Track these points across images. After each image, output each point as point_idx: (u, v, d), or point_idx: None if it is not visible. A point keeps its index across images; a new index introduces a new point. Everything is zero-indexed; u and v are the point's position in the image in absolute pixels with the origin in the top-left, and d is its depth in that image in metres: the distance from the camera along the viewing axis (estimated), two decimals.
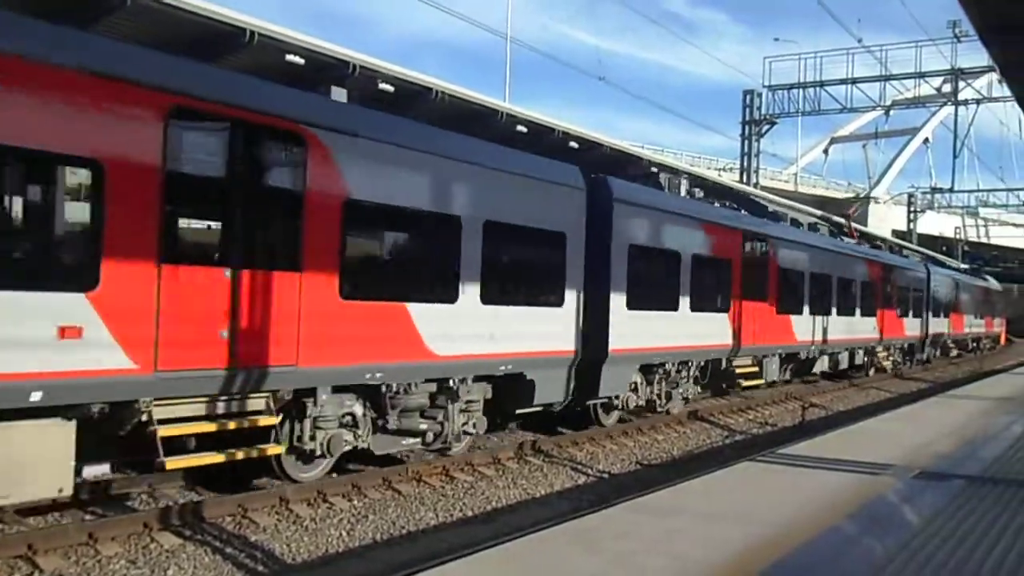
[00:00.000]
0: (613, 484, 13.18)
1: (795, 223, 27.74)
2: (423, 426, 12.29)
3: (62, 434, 8.46)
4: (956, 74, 38.78)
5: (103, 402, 8.80)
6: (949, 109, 44.45)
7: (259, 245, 9.99)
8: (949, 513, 8.63)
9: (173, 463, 9.37)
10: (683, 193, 19.77)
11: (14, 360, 7.87)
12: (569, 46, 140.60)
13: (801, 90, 38.94)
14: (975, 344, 49.67)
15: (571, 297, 14.44)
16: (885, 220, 60.60)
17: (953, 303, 42.50)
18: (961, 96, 40.71)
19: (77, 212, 8.61)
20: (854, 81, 38.32)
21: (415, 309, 11.68)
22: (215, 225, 9.83)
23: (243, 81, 10.31)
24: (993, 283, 56.48)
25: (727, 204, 22.07)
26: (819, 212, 36.22)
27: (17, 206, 8.30)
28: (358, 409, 11.54)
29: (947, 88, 42.81)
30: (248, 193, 9.84)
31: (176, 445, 9.46)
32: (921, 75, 39.19)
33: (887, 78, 38.16)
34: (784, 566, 6.79)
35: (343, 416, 11.39)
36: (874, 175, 69.14)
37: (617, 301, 15.70)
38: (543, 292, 14.11)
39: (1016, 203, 58.65)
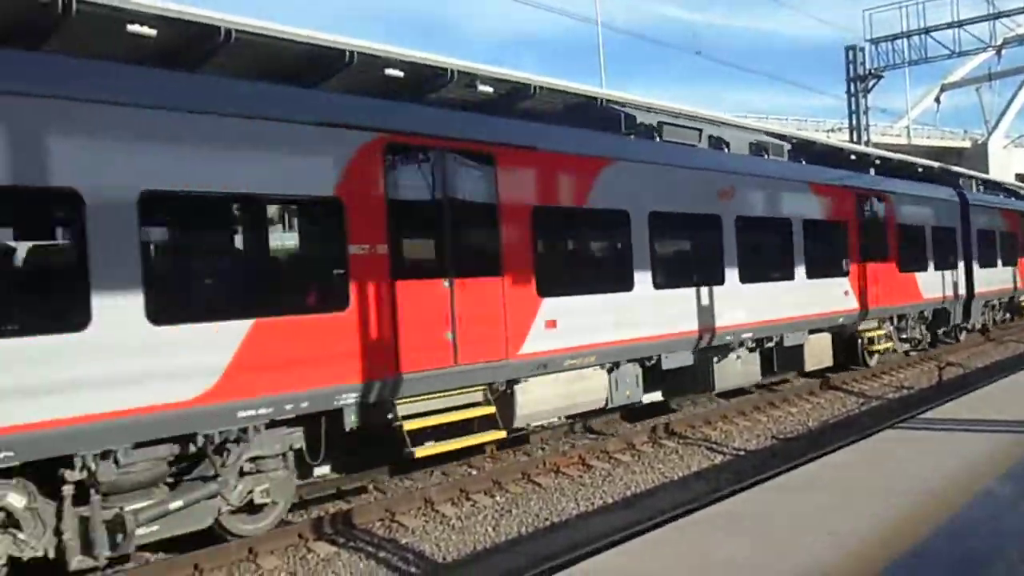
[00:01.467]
0: (750, 461, 13.06)
1: (912, 177, 26.92)
2: None
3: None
4: None
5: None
6: None
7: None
8: None
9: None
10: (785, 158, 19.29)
11: None
12: (661, 24, 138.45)
13: (905, 40, 37.43)
14: None
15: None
16: (1008, 166, 57.84)
17: None
18: None
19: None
20: (961, 23, 36.60)
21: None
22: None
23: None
24: None
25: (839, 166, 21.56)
26: (936, 164, 34.78)
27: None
28: None
29: None
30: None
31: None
32: None
33: (997, 16, 36.33)
34: (941, 534, 6.64)
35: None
36: (991, 119, 66.06)
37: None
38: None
39: None
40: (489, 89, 15.07)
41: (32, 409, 7.60)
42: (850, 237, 19.65)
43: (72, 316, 7.92)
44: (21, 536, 7.90)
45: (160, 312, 8.43)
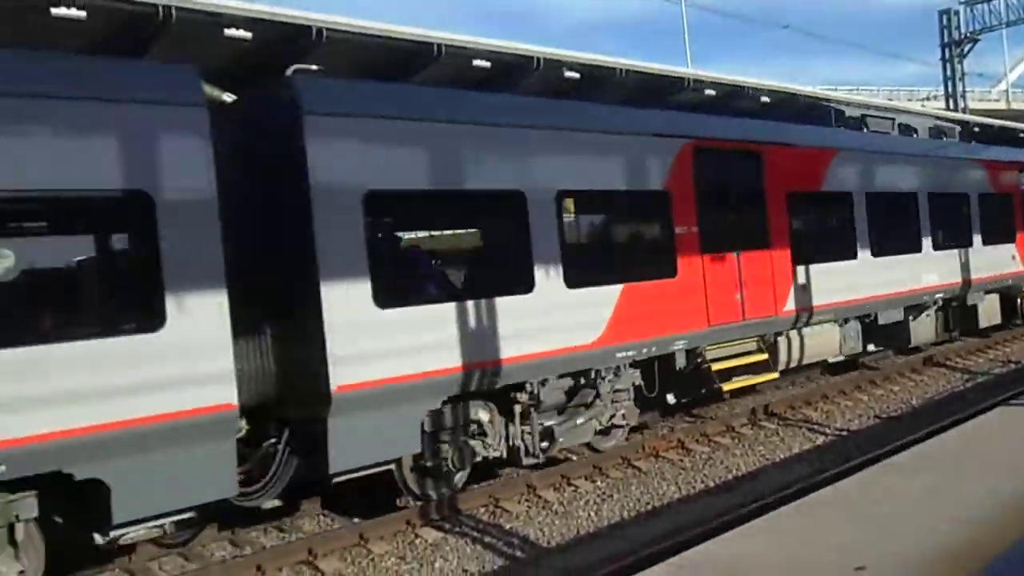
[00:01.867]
0: (854, 441, 12.85)
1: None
2: None
3: None
4: None
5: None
6: None
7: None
8: None
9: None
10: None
11: None
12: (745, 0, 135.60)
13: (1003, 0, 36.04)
14: None
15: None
16: None
17: None
18: None
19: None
20: None
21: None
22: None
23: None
24: None
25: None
26: None
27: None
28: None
29: None
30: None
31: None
32: None
33: None
34: None
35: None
36: None
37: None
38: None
39: None
40: (576, 75, 15.05)
41: (508, 349, 10.53)
42: (1016, 207, 21.87)
43: (525, 284, 10.88)
44: (488, 441, 10.76)
45: (573, 279, 11.28)
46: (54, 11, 9.22)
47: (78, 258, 8.37)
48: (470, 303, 10.28)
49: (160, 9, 9.95)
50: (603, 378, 11.83)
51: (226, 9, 10.70)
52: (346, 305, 9.13)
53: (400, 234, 10.96)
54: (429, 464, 10.34)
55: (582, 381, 11.71)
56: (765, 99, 18.90)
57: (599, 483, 11.45)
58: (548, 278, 11.08)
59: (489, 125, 10.85)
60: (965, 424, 10.37)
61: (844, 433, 13.52)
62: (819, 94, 22.32)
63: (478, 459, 10.75)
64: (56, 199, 7.70)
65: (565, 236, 11.46)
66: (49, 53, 8.93)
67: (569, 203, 11.72)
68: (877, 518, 6.87)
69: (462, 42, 13.18)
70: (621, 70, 15.73)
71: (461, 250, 12.06)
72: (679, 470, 11.91)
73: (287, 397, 9.30)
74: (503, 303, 10.56)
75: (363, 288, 9.32)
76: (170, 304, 7.89)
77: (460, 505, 10.53)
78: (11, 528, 7.47)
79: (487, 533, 9.98)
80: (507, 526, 10.18)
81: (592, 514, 10.43)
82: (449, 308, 10.11)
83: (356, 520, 10.43)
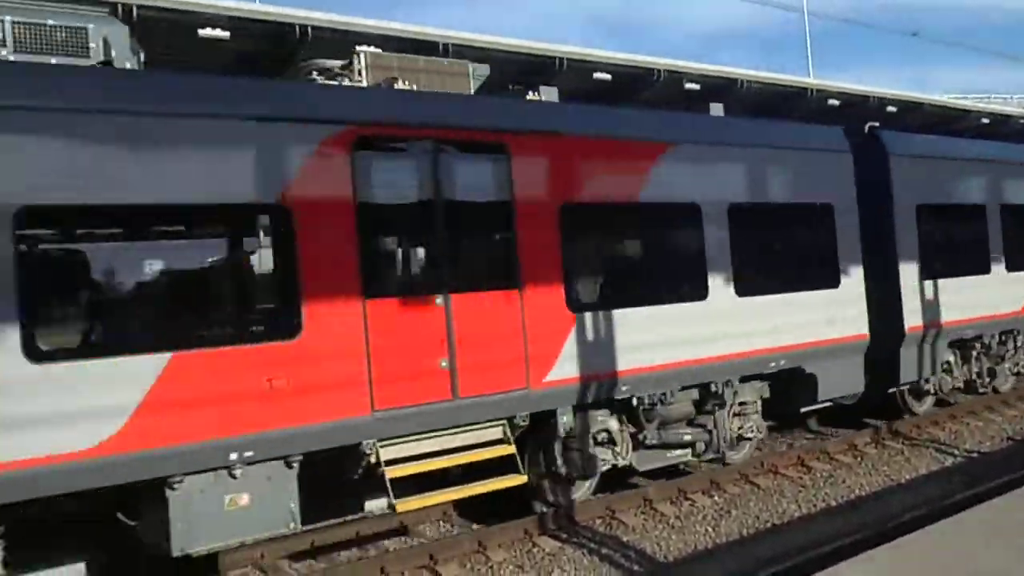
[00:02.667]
0: (984, 463, 12.39)
1: None
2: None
3: None
4: None
5: None
6: None
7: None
8: None
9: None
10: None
11: None
12: (871, 6, 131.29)
13: None
14: None
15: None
16: None
17: None
18: None
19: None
20: None
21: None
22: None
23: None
24: None
25: None
26: None
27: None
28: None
29: None
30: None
31: None
32: None
33: None
34: None
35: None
36: None
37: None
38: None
39: None
40: (696, 86, 15.01)
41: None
42: None
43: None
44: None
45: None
46: (201, 32, 9.72)
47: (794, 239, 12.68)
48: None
49: (297, 28, 10.38)
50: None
51: (358, 27, 11.09)
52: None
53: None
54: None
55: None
56: (891, 108, 18.48)
57: (716, 498, 11.35)
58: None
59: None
60: None
61: (975, 454, 13.04)
62: (947, 103, 21.45)
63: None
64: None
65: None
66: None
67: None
68: (1018, 547, 6.64)
69: (583, 55, 13.32)
70: (741, 81, 15.63)
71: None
72: (799, 488, 11.70)
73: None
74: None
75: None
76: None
77: (577, 516, 10.60)
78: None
79: (604, 545, 10.00)
80: (624, 539, 10.18)
81: (710, 529, 10.35)
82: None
83: (476, 527, 10.61)
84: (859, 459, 12.94)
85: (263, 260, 8.55)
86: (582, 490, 11.09)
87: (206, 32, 9.61)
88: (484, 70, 11.43)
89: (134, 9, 11.20)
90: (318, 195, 8.53)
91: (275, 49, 10.87)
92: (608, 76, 13.52)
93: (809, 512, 10.83)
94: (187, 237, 8.48)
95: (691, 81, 14.67)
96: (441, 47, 11.47)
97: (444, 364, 9.20)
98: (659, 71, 14.02)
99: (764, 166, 12.42)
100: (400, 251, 9.63)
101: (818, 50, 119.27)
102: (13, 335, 7.03)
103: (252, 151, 8.20)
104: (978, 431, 14.48)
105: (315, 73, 10.53)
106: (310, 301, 8.41)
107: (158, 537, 8.04)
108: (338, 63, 10.50)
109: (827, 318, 12.65)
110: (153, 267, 8.10)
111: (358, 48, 10.36)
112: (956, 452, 13.18)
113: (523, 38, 12.36)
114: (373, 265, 8.95)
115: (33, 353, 7.14)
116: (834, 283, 12.91)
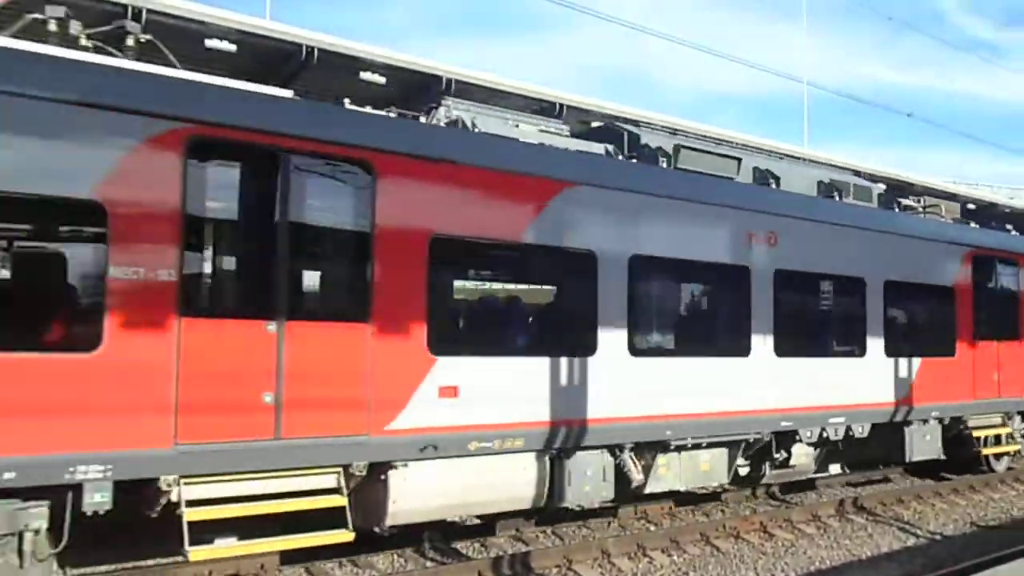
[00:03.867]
0: (946, 547, 12.33)
1: None
2: None
3: None
4: None
5: None
6: None
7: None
8: None
9: None
10: None
11: None
12: (870, 84, 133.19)
13: None
14: None
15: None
16: None
17: None
18: None
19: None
20: None
21: None
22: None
23: None
24: None
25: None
26: None
27: None
28: None
29: None
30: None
31: None
32: None
33: None
34: None
35: None
36: None
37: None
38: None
39: None
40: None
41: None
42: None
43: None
44: None
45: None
46: (207, 43, 9.78)
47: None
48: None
49: (304, 48, 10.45)
50: None
51: (362, 53, 11.17)
52: None
53: None
54: None
55: None
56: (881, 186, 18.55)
57: (676, 558, 11.24)
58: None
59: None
60: None
61: (938, 537, 12.98)
62: (933, 184, 21.66)
63: None
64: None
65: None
66: None
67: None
68: None
69: (581, 103, 13.44)
70: (736, 144, 15.75)
71: None
72: (759, 554, 11.60)
73: None
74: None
75: None
76: None
77: (533, 563, 10.47)
78: None
79: None
80: None
81: None
82: None
83: (429, 564, 10.47)
84: (822, 531, 12.87)
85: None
86: None
87: (213, 43, 9.69)
88: None
89: (143, 12, 11.41)
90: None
91: (280, 66, 10.99)
92: (599, 123, 13.63)
93: None
94: None
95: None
96: (444, 81, 11.59)
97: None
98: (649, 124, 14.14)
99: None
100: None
101: (818, 123, 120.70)
102: None
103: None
104: (942, 513, 14.42)
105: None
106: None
107: None
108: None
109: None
110: None
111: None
112: (919, 533, 13.12)
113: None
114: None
115: None
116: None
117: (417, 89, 11.73)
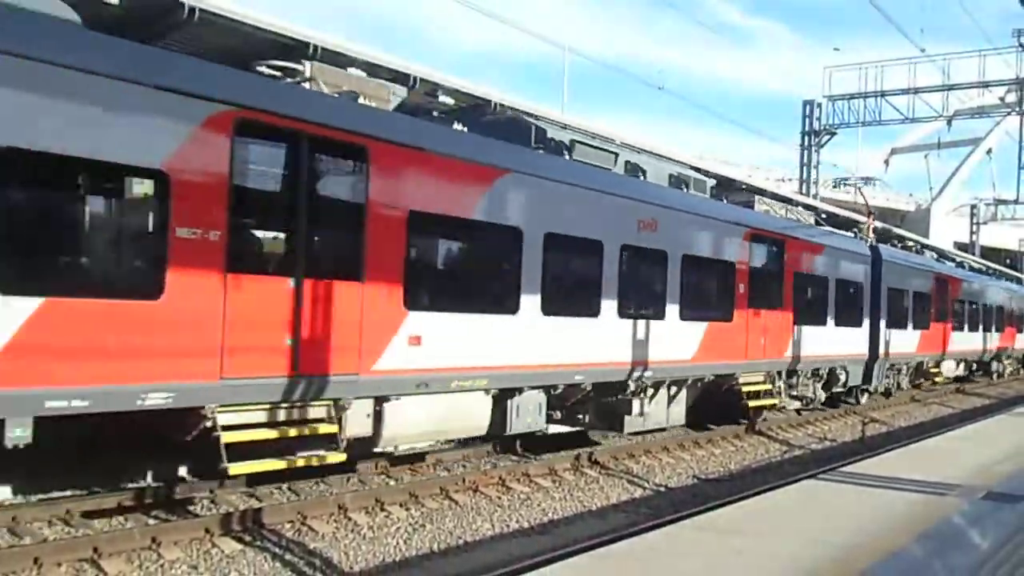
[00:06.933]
0: (670, 498, 13.06)
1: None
2: None
3: None
4: (1021, 83, 37.75)
5: None
6: (1014, 119, 43.26)
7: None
8: (1021, 539, 8.38)
9: None
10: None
11: None
12: (628, 56, 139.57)
13: (862, 100, 38.29)
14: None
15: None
16: (948, 233, 59.34)
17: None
18: None
19: None
20: (916, 91, 37.52)
21: None
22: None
23: None
24: None
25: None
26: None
27: None
28: None
29: (1011, 98, 41.51)
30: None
31: None
32: (985, 85, 38.18)
33: (950, 88, 37.31)
34: None
35: None
36: (935, 186, 67.75)
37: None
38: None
39: None
40: (450, 101, 14.98)
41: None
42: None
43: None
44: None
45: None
46: None
47: None
48: None
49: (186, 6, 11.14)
50: None
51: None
52: None
53: None
54: None
55: None
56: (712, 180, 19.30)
57: (413, 511, 11.19)
58: None
59: None
60: (776, 492, 10.64)
61: (662, 489, 13.72)
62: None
63: None
64: None
65: None
66: None
67: None
68: (681, 573, 6.91)
69: (339, 47, 12.93)
70: (496, 103, 15.80)
71: None
72: (496, 507, 11.78)
73: None
74: None
75: None
76: None
77: (265, 519, 10.09)
78: None
79: (289, 551, 9.57)
80: (312, 545, 9.79)
81: (402, 542, 10.14)
82: None
83: (152, 522, 9.84)
84: (557, 484, 13.26)
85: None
86: None
87: None
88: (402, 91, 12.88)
89: None
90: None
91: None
92: (363, 73, 13.14)
93: (502, 532, 10.90)
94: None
95: (446, 94, 14.65)
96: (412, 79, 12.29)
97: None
98: (415, 78, 13.86)
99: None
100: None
101: (578, 89, 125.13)
102: None
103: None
104: (668, 467, 15.27)
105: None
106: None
107: None
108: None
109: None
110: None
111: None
112: (646, 485, 13.80)
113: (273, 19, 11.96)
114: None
115: None
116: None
117: (156, 14, 10.91)
